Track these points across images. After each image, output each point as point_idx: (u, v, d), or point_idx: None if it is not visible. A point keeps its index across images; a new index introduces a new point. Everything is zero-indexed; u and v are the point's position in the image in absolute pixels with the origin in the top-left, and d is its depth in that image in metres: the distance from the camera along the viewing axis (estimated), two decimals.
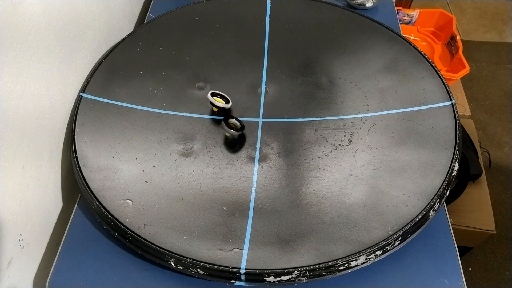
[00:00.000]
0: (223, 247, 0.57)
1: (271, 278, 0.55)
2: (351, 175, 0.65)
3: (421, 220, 0.59)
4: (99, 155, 0.66)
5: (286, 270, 0.55)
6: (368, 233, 0.58)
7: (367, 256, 0.56)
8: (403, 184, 0.63)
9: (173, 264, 0.57)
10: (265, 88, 0.78)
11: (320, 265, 0.55)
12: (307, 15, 0.91)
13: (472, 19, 2.21)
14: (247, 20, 0.90)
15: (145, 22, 0.94)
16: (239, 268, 0.55)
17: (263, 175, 0.65)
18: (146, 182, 0.64)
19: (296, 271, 0.55)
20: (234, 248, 0.57)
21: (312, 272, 0.55)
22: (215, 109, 0.72)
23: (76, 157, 0.66)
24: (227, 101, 0.72)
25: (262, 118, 0.73)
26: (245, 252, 0.56)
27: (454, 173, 0.65)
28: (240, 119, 0.70)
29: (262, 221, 0.60)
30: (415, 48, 0.83)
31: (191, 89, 0.77)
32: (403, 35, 0.87)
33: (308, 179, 0.64)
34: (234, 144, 0.69)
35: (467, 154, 1.14)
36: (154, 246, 0.57)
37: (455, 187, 1.10)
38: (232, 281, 0.56)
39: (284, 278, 0.55)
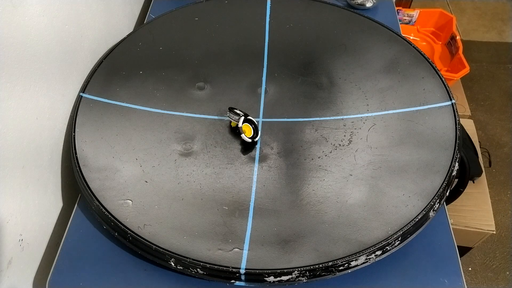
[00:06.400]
0: (223, 247, 0.57)
1: (271, 278, 0.55)
2: (351, 175, 0.65)
3: (421, 220, 0.59)
4: (99, 155, 0.66)
5: (286, 270, 0.55)
6: (368, 233, 0.58)
7: (367, 256, 0.56)
8: (403, 184, 0.63)
9: (173, 264, 0.57)
10: (265, 88, 0.78)
11: (320, 265, 0.55)
12: (307, 15, 0.91)
13: (472, 19, 2.21)
14: (247, 20, 0.90)
15: (145, 22, 0.94)
16: (239, 268, 0.55)
17: (263, 175, 0.65)
18: (146, 182, 0.64)
19: (296, 271, 0.55)
20: (234, 248, 0.57)
21: (312, 272, 0.55)
22: (233, 124, 0.70)
23: (76, 157, 0.66)
24: (255, 130, 0.69)
25: (262, 118, 0.73)
26: (245, 252, 0.56)
27: (454, 173, 0.65)
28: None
29: (262, 221, 0.60)
30: (415, 48, 0.83)
31: (191, 89, 0.77)
32: (403, 35, 0.87)
33: (308, 179, 0.64)
34: (234, 144, 0.69)
35: (467, 154, 1.14)
36: (154, 246, 0.57)
37: (455, 187, 1.09)
38: (232, 281, 0.56)
39: (284, 278, 0.55)
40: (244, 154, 0.68)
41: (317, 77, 0.79)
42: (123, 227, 0.59)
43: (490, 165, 1.58)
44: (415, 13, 1.66)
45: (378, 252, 0.57)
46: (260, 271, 0.55)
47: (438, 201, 0.61)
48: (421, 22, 1.68)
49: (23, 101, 0.58)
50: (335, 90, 0.77)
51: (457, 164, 0.66)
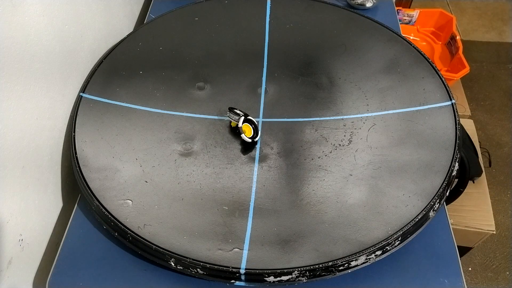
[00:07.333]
0: (223, 247, 0.57)
1: (271, 278, 0.55)
2: (351, 175, 0.65)
3: (421, 220, 0.59)
4: (99, 155, 0.66)
5: (286, 270, 0.55)
6: (368, 233, 0.58)
7: (367, 256, 0.56)
8: (403, 184, 0.63)
9: (173, 264, 0.57)
10: (265, 88, 0.78)
11: (320, 265, 0.55)
12: (307, 15, 0.91)
13: (472, 19, 2.21)
14: (247, 20, 0.90)
15: (145, 22, 0.94)
16: (239, 268, 0.55)
17: (263, 175, 0.65)
18: (146, 182, 0.64)
19: (296, 271, 0.55)
20: (234, 248, 0.57)
21: (312, 272, 0.55)
22: (233, 124, 0.70)
23: (76, 157, 0.66)
24: (255, 130, 0.69)
25: (262, 118, 0.73)
26: (245, 252, 0.56)
27: (454, 173, 0.65)
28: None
29: (262, 221, 0.60)
30: (415, 48, 0.83)
31: (191, 89, 0.77)
32: (403, 35, 0.87)
33: (308, 179, 0.64)
34: (234, 144, 0.69)
35: (467, 154, 1.14)
36: (154, 246, 0.57)
37: (455, 187, 1.09)
38: (232, 281, 0.56)
39: (284, 278, 0.55)
40: (244, 154, 0.68)
41: (317, 77, 0.79)
42: (123, 227, 0.59)
43: (490, 165, 1.58)
44: (415, 13, 1.66)
45: (378, 252, 0.57)
46: (260, 271, 0.55)
47: (438, 201, 0.61)
48: (421, 22, 1.68)
49: (23, 101, 0.58)
50: (335, 90, 0.77)
51: (457, 164, 0.66)
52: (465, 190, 1.09)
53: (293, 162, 0.67)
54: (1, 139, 0.54)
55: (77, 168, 0.65)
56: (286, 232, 0.59)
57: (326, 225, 0.59)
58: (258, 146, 0.69)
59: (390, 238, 0.57)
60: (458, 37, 1.55)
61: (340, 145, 0.69)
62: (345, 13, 0.91)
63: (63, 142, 0.71)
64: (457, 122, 0.70)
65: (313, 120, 0.72)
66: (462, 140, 0.70)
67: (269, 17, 0.90)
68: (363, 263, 0.57)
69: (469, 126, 1.33)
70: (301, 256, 0.56)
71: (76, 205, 0.67)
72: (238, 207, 0.61)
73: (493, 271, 1.35)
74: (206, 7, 0.92)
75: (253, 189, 0.63)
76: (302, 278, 0.55)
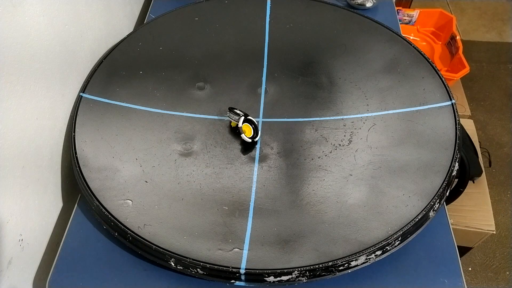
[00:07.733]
0: (223, 247, 0.57)
1: (271, 278, 0.55)
2: (351, 175, 0.65)
3: (421, 220, 0.59)
4: (99, 155, 0.66)
5: (286, 270, 0.55)
6: (368, 233, 0.58)
7: (367, 256, 0.56)
8: (403, 184, 0.63)
9: (173, 264, 0.57)
10: (265, 88, 0.78)
11: (320, 265, 0.55)
12: (307, 15, 0.91)
13: (472, 19, 2.21)
14: (247, 20, 0.90)
15: (145, 22, 0.94)
16: (239, 268, 0.55)
17: (263, 175, 0.65)
18: (146, 182, 0.64)
19: (296, 271, 0.55)
20: (234, 248, 0.57)
21: (312, 272, 0.55)
22: (233, 124, 0.70)
23: (76, 157, 0.66)
24: (255, 130, 0.69)
25: (262, 118, 0.73)
26: (245, 252, 0.56)
27: (454, 173, 0.65)
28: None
29: (262, 221, 0.60)
30: (415, 48, 0.83)
31: (191, 89, 0.77)
32: (403, 35, 0.87)
33: (308, 179, 0.64)
34: (234, 144, 0.69)
35: (467, 154, 1.14)
36: (154, 246, 0.57)
37: (455, 187, 1.09)
38: (232, 281, 0.56)
39: (284, 278, 0.55)
40: (244, 154, 0.68)
41: (317, 77, 0.79)
42: (123, 227, 0.59)
43: (490, 165, 1.58)
44: (415, 13, 1.66)
45: (378, 252, 0.57)
46: (260, 271, 0.55)
47: (438, 201, 0.61)
48: (421, 22, 1.68)
49: (23, 101, 0.58)
50: (335, 90, 0.77)
51: (457, 164, 0.66)
52: (465, 190, 1.09)
53: (293, 162, 0.67)
54: (1, 139, 0.54)
55: (77, 168, 0.65)
56: (286, 232, 0.59)
57: (326, 225, 0.59)
58: (258, 146, 0.69)
59: (390, 238, 0.57)
60: (458, 37, 1.55)
61: (340, 145, 0.69)
62: (345, 13, 0.91)
63: (63, 142, 0.71)
64: (457, 122, 0.70)
65: (313, 120, 0.72)
66: (462, 140, 0.70)
67: (269, 17, 0.90)
68: (363, 263, 0.57)
69: (469, 126, 1.33)
70: (301, 256, 0.56)
71: (76, 205, 0.67)
72: (238, 207, 0.61)
73: (493, 271, 1.35)
74: (206, 7, 0.92)
75: (253, 189, 0.63)
76: (302, 278, 0.55)
